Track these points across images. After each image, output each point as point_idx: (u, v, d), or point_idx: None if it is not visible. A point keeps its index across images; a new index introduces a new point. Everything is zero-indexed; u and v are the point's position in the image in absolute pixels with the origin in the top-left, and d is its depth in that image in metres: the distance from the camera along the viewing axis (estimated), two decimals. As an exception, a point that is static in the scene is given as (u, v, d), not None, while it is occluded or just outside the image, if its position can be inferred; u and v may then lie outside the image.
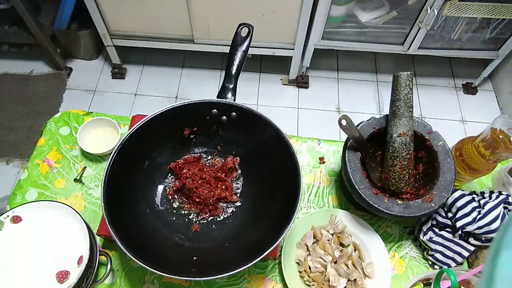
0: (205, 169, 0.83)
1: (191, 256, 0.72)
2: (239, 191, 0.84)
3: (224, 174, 0.83)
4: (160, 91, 2.05)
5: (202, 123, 0.81)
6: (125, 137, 0.71)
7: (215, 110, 0.79)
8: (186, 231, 0.79)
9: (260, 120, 0.75)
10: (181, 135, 0.83)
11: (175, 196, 0.82)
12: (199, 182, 0.81)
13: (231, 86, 0.78)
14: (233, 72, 0.78)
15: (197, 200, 0.80)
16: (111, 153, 0.70)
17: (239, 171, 0.86)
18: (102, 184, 0.66)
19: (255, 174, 0.83)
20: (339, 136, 1.87)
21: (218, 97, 0.78)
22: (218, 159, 0.86)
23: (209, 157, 0.87)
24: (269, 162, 0.79)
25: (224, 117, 0.80)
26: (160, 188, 0.83)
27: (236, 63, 0.79)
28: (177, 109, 0.75)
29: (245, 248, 0.71)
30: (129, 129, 0.72)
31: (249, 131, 0.79)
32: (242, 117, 0.78)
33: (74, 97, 2.01)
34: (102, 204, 0.65)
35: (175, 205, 0.82)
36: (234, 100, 0.78)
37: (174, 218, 0.80)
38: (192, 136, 0.84)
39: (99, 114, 0.97)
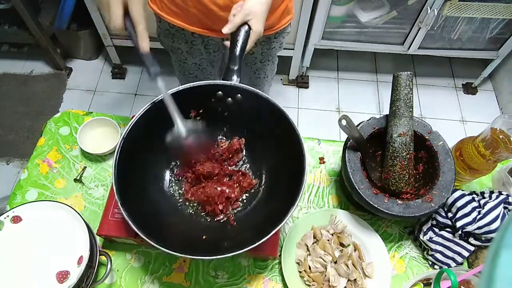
0: (212, 150, 0.83)
1: (200, 236, 0.73)
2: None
3: (230, 155, 0.84)
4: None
5: (208, 105, 0.81)
6: (134, 120, 0.71)
7: (220, 92, 0.78)
8: (195, 212, 0.79)
9: (264, 102, 0.75)
10: (187, 117, 0.81)
11: (183, 179, 0.83)
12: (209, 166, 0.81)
13: (235, 68, 0.76)
14: (237, 53, 0.76)
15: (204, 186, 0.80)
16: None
17: (244, 152, 0.86)
18: (113, 168, 0.66)
19: (261, 155, 0.84)
20: (339, 136, 1.87)
21: (223, 79, 0.77)
22: (224, 140, 0.87)
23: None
24: (275, 143, 0.79)
25: (229, 99, 0.79)
26: (169, 172, 0.83)
27: (239, 43, 0.76)
28: (182, 92, 0.75)
29: (255, 226, 0.72)
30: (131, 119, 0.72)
31: (254, 113, 0.78)
32: (247, 99, 0.77)
33: (74, 97, 2.01)
34: (115, 187, 0.65)
35: (183, 188, 0.82)
36: (240, 81, 0.76)
37: (182, 201, 0.80)
38: (198, 118, 0.83)
39: (99, 114, 0.97)
